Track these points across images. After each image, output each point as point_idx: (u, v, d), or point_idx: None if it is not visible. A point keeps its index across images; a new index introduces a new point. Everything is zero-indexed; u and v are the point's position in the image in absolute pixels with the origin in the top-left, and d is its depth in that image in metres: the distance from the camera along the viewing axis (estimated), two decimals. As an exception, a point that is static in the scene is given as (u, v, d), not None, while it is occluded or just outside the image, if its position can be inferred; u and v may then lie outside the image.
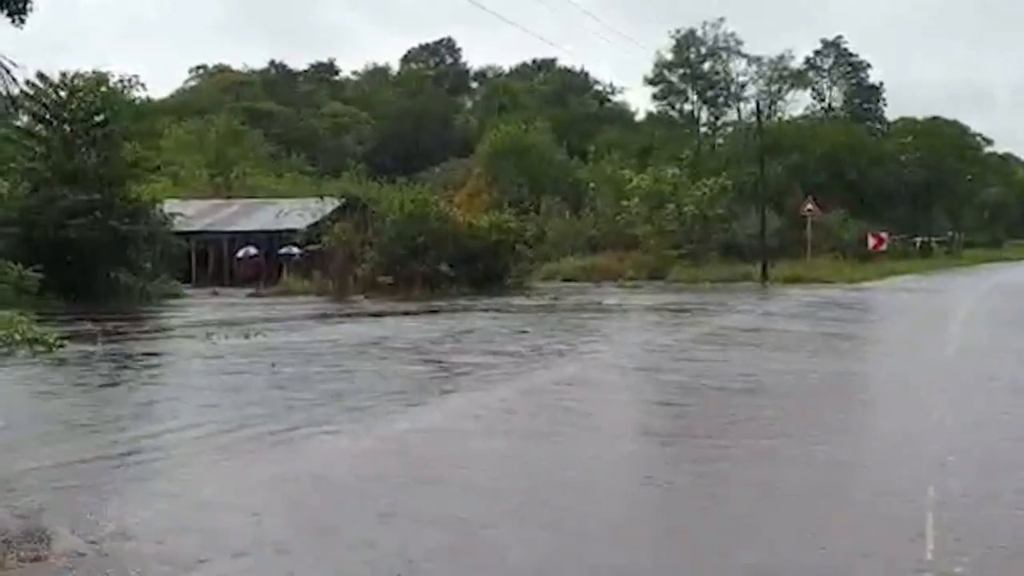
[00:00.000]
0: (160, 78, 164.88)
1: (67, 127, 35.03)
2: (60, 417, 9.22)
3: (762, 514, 5.80)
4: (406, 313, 24.31)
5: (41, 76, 34.79)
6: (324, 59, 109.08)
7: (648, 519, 5.87)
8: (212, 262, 44.73)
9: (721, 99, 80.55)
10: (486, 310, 25.40)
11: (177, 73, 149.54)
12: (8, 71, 23.30)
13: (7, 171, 35.55)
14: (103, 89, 35.88)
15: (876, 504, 5.99)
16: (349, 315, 24.09)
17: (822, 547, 5.19)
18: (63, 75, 35.31)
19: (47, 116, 35.28)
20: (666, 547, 5.29)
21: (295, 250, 40.09)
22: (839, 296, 32.21)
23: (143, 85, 38.06)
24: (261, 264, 42.06)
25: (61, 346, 14.68)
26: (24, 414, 9.63)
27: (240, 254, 43.24)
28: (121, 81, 37.03)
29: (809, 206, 48.61)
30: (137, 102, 40.73)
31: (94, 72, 36.07)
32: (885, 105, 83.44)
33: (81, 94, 35.21)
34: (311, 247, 36.43)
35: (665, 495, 6.30)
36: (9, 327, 14.94)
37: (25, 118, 36.20)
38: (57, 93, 35.05)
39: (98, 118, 35.34)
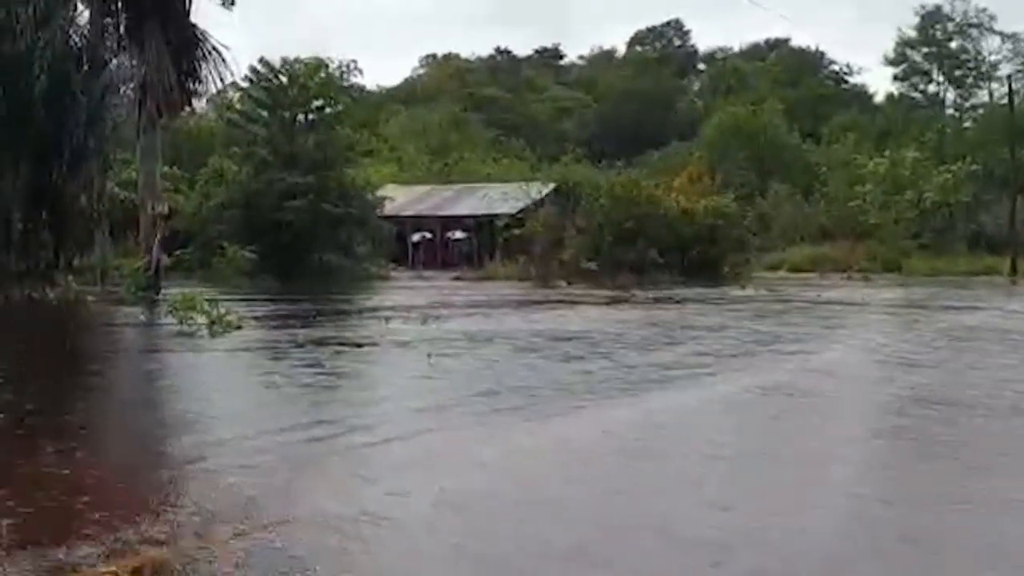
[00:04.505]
0: (396, 67, 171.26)
1: (286, 112, 35.93)
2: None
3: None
4: (599, 302, 23.07)
5: (263, 62, 35.84)
6: (549, 44, 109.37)
7: None
8: (424, 245, 45.14)
9: (970, 79, 74.42)
10: (693, 301, 23.81)
11: (408, 62, 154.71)
12: (220, 54, 23.70)
13: (232, 155, 36.94)
14: (322, 75, 36.59)
15: None
16: (541, 302, 23.08)
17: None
18: (284, 60, 36.25)
19: (268, 100, 36.29)
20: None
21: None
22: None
23: (360, 71, 38.75)
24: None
25: (239, 327, 14.35)
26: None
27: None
28: (340, 67, 37.73)
29: (1069, 193, 43.64)
30: (355, 88, 41.53)
31: (314, 58, 36.86)
32: None
33: (301, 80, 36.04)
34: (515, 231, 35.77)
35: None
36: (190, 306, 14.78)
37: (265, 112, 37.32)
38: (278, 78, 35.99)
39: (316, 103, 36.08)
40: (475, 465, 6.23)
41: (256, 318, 17.54)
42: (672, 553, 4.62)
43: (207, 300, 15.45)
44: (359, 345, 13.50)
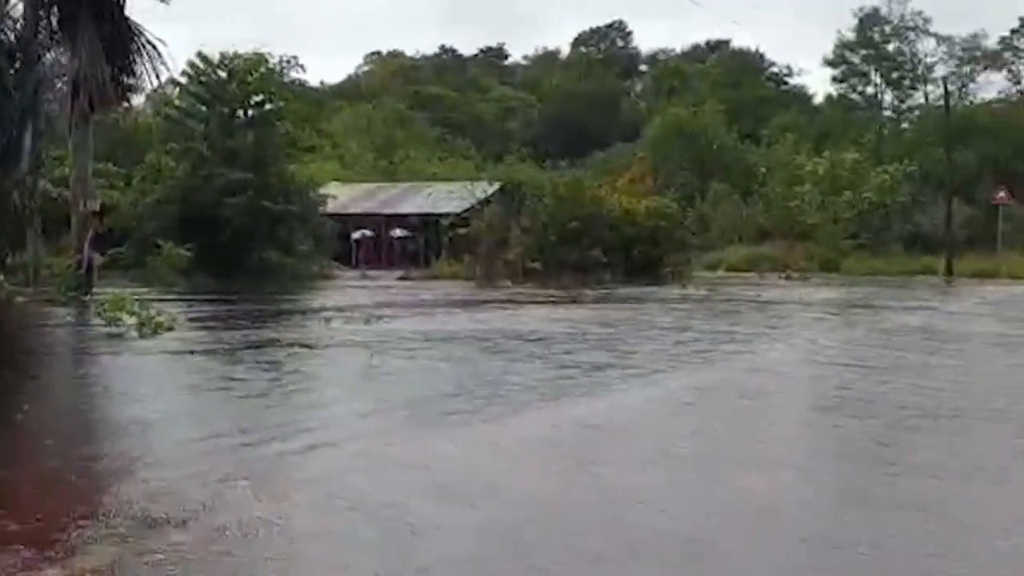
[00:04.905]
0: (340, 65, 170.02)
1: (225, 107, 35.35)
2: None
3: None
4: (543, 302, 22.97)
5: (201, 56, 35.19)
6: (494, 44, 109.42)
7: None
8: (367, 244, 44.78)
9: (907, 81, 75.65)
10: (638, 301, 23.86)
11: (353, 59, 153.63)
12: (156, 48, 23.19)
13: (170, 151, 36.28)
14: (261, 70, 36.02)
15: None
16: (488, 302, 22.91)
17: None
18: (223, 55, 35.61)
19: (206, 95, 35.66)
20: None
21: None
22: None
23: (302, 67, 38.12)
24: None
25: (170, 328, 13.97)
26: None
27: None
28: (280, 62, 37.09)
29: (1001, 194, 44.48)
30: (296, 83, 41.00)
31: (254, 53, 36.23)
32: (1093, 87, 75.78)
33: (240, 75, 35.47)
34: (460, 230, 35.56)
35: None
36: (119, 307, 14.38)
37: (204, 107, 36.66)
38: (216, 73, 35.39)
39: (256, 98, 35.56)
40: (416, 470, 6.04)
41: (191, 319, 17.18)
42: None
43: (136, 300, 15.07)
44: (297, 347, 13.18)
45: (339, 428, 7.39)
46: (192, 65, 35.55)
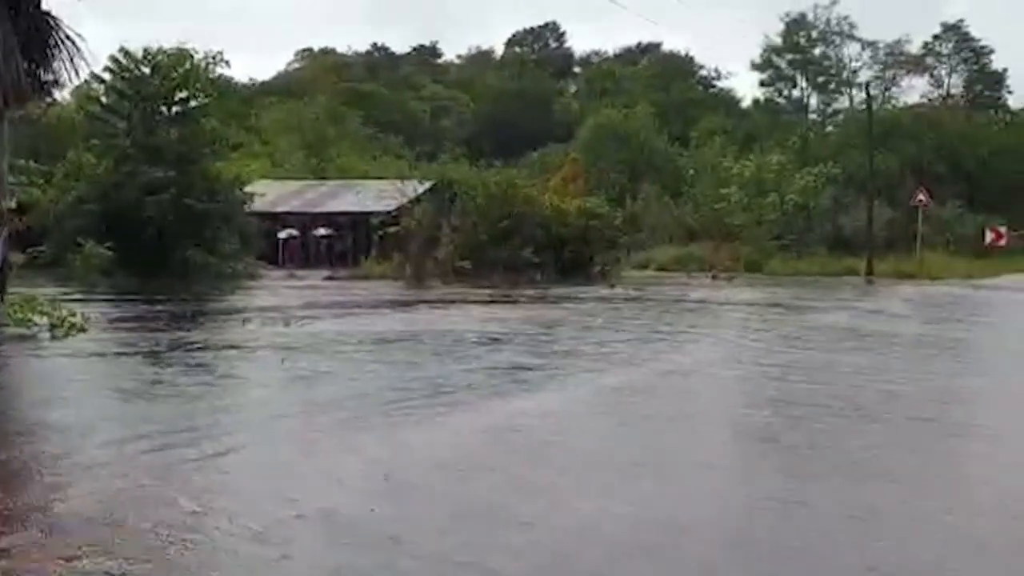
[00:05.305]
0: (270, 61, 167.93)
1: (149, 104, 34.68)
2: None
3: None
4: (473, 302, 22.86)
5: (124, 52, 34.47)
6: (427, 42, 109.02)
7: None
8: (294, 243, 44.25)
9: (832, 85, 77.12)
10: (564, 300, 23.88)
11: (284, 56, 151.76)
12: (74, 43, 22.52)
13: (92, 147, 35.51)
14: (186, 66, 35.37)
15: None
16: (412, 303, 22.81)
17: None
18: (146, 51, 34.92)
19: (129, 91, 34.96)
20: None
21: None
22: (959, 295, 29.40)
23: (227, 63, 37.33)
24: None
25: (83, 330, 13.62)
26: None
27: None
28: (205, 58, 36.34)
29: (920, 197, 45.45)
30: (222, 80, 40.31)
31: (178, 49, 35.56)
32: (1010, 93, 77.97)
33: (164, 70, 34.82)
34: (390, 229, 35.18)
35: None
36: (29, 309, 13.99)
37: (127, 103, 35.88)
38: (139, 69, 34.70)
39: (181, 94, 34.93)
40: (345, 477, 5.92)
41: (111, 320, 16.80)
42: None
43: (48, 301, 14.71)
44: (218, 349, 12.94)
45: (258, 432, 7.24)
46: (115, 61, 34.83)
